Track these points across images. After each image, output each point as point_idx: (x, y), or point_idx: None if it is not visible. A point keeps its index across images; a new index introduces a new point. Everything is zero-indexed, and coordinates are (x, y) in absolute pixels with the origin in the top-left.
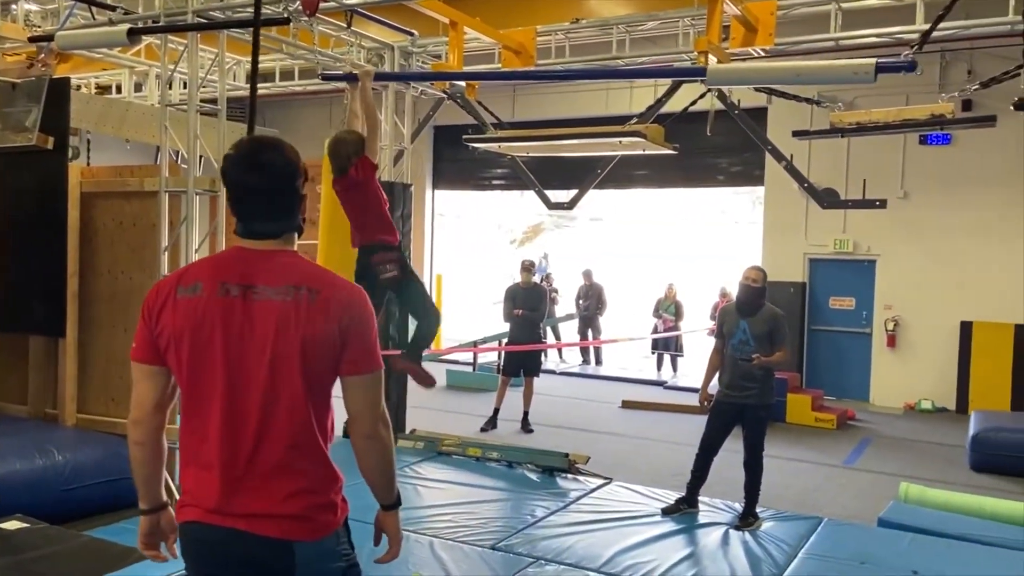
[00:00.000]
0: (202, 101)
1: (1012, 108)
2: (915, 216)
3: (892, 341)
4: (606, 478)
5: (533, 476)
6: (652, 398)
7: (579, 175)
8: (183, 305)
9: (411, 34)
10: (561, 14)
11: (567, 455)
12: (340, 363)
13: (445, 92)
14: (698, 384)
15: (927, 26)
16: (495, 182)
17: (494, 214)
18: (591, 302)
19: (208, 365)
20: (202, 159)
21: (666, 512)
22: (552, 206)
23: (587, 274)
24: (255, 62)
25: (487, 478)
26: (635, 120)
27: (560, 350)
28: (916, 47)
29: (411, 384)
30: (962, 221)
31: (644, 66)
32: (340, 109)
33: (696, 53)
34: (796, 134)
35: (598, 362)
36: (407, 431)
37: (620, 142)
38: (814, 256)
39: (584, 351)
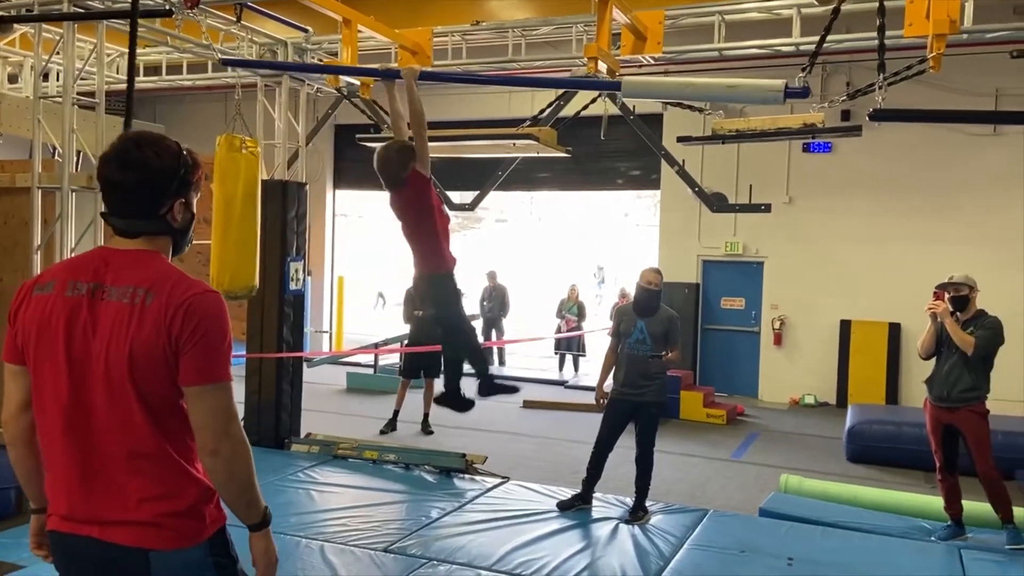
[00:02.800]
0: (82, 94)
1: (867, 119)
2: (799, 220)
3: (778, 339)
4: (503, 477)
5: (430, 478)
6: (553, 398)
7: (481, 177)
8: (35, 303)
9: (305, 31)
10: (459, 15)
11: (464, 456)
12: (177, 372)
13: (339, 90)
14: None
15: (803, 39)
16: None
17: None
18: (495, 303)
19: (52, 365)
20: (80, 155)
21: (561, 507)
22: (453, 207)
23: (491, 275)
24: (132, 54)
25: (383, 481)
26: (527, 123)
27: None
28: (807, 70)
29: (307, 388)
30: (842, 225)
31: (565, 76)
32: (236, 104)
33: (586, 59)
34: (680, 139)
35: (501, 363)
36: (302, 435)
37: (514, 144)
38: (707, 258)
39: (487, 352)
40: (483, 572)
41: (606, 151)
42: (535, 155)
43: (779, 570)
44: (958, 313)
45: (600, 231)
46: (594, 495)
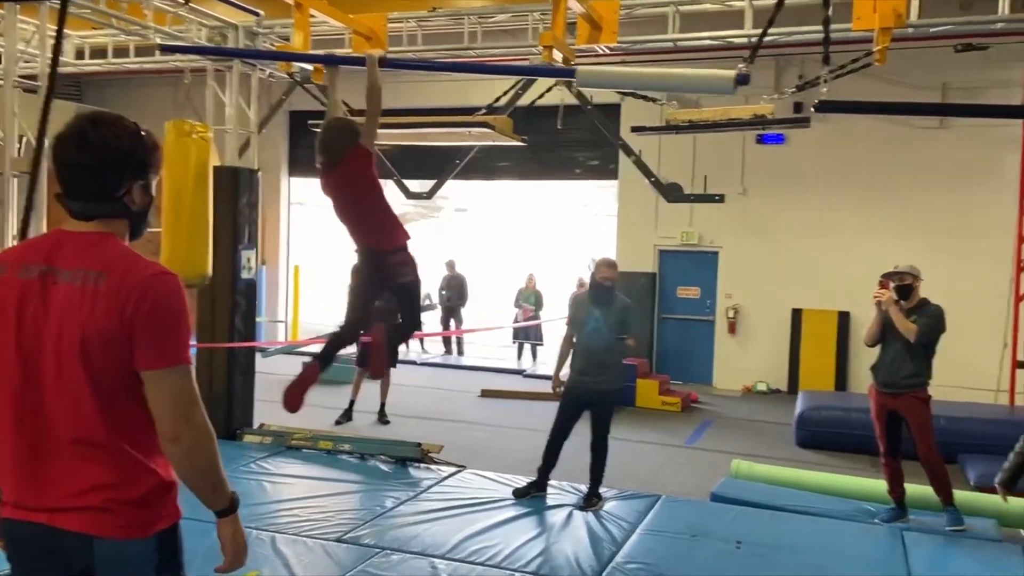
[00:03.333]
0: (25, 77)
1: (812, 110)
2: (753, 210)
3: (732, 328)
4: (459, 466)
5: (385, 467)
6: (511, 387)
7: (440, 165)
8: None
9: (256, 14)
10: (416, 2)
11: (419, 445)
12: (132, 356)
13: (291, 76)
14: None
15: (755, 31)
16: None
17: None
18: (453, 292)
19: (2, 350)
20: (23, 139)
21: (517, 495)
22: (411, 196)
23: (450, 265)
24: (59, 35)
25: (337, 471)
26: (483, 112)
27: (422, 340)
28: (749, 60)
29: (261, 378)
30: (794, 216)
31: (518, 64)
32: (185, 89)
33: (542, 48)
34: (635, 129)
35: (460, 352)
36: (255, 426)
37: (469, 132)
38: (664, 247)
39: (446, 341)
40: (436, 561)
41: (565, 141)
42: (491, 144)
43: (728, 553)
44: (902, 302)
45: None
46: (549, 483)
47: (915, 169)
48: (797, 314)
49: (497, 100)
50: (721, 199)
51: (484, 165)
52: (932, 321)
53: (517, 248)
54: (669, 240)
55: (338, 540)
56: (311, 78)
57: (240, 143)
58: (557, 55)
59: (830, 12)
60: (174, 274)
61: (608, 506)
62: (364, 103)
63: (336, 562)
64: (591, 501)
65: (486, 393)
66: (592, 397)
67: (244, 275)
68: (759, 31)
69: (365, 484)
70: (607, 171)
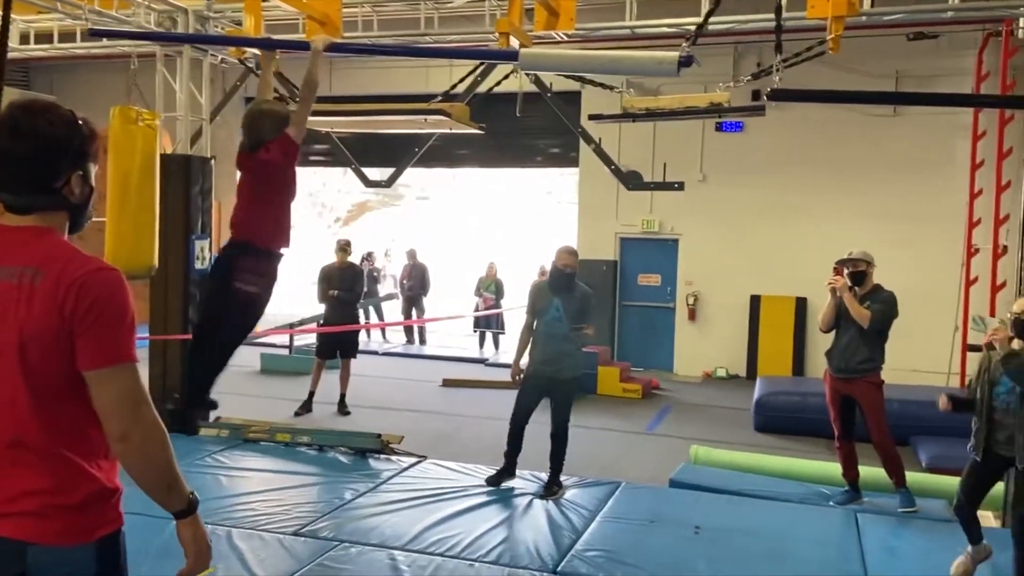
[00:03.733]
0: None
1: (765, 97)
2: (712, 198)
3: (692, 315)
4: (420, 456)
5: (345, 459)
6: (473, 376)
7: (399, 153)
8: None
9: None
10: None
11: (379, 436)
12: (73, 356)
13: (243, 62)
14: None
15: (713, 18)
16: (314, 158)
17: (318, 191)
18: (415, 282)
19: None
20: None
21: (489, 482)
22: (369, 184)
23: (411, 254)
24: (6, 19)
25: (296, 463)
26: (439, 98)
27: (384, 330)
28: (691, 40)
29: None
30: (752, 203)
31: (460, 47)
32: (133, 75)
33: (498, 34)
34: (592, 117)
35: (422, 342)
36: (211, 419)
37: (425, 120)
38: (624, 235)
39: (408, 331)
40: (395, 552)
41: (527, 128)
42: (448, 131)
43: (686, 539)
44: (856, 288)
45: (524, 209)
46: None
47: (870, 156)
48: (756, 300)
49: (454, 87)
50: (681, 187)
51: (445, 153)
52: (885, 307)
53: (479, 236)
54: (630, 228)
55: (295, 534)
56: (276, 67)
57: (193, 131)
58: (514, 42)
59: (783, 1)
60: (115, 269)
61: (569, 494)
62: (324, 91)
63: (293, 556)
64: (551, 489)
65: (448, 383)
66: (551, 385)
67: (197, 265)
68: (716, 18)
69: (324, 476)
70: (568, 159)
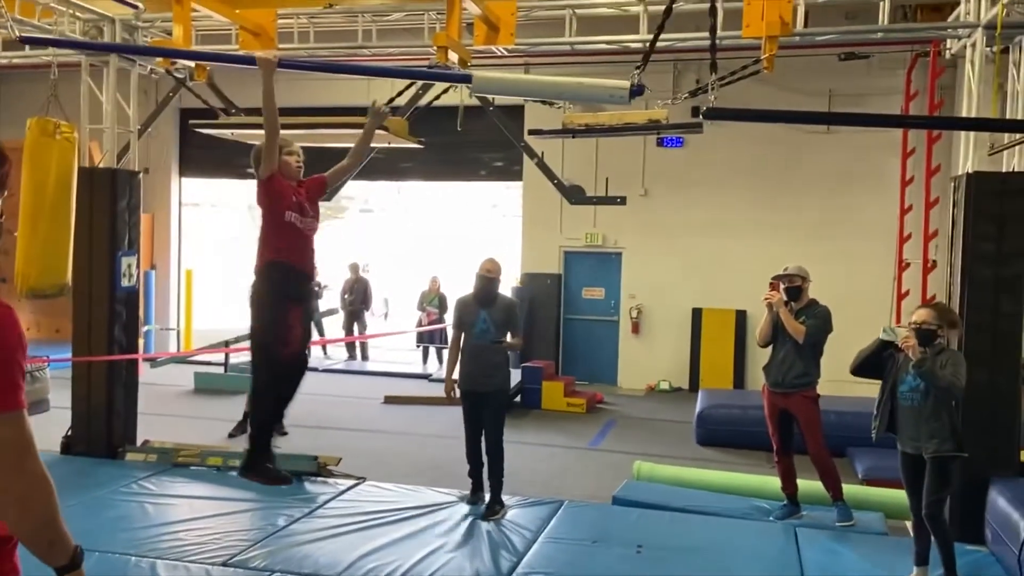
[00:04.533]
0: None
1: (701, 117)
2: (654, 212)
3: (636, 328)
4: (358, 478)
5: None
6: (417, 392)
7: None
8: None
9: (135, 7)
10: None
11: (316, 458)
12: None
13: (170, 72)
14: None
15: (651, 36)
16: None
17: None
18: (357, 296)
19: None
20: None
21: (468, 502)
22: None
23: (353, 267)
24: None
25: (228, 489)
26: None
27: (324, 346)
28: (640, 67)
29: (150, 390)
30: (693, 216)
31: (411, 67)
32: (52, 85)
33: (436, 48)
34: (531, 132)
35: (364, 357)
36: (139, 443)
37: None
38: (569, 249)
39: (350, 347)
40: None
41: (471, 141)
42: (386, 145)
43: (628, 559)
44: (792, 303)
45: (469, 222)
46: (439, 490)
47: (805, 172)
48: (697, 313)
49: (392, 100)
50: (623, 201)
51: (389, 165)
52: (820, 322)
53: (422, 250)
54: (574, 241)
55: (224, 564)
56: (194, 75)
57: (122, 143)
58: (453, 56)
59: (718, 20)
60: (8, 305)
61: (511, 514)
62: (253, 101)
63: None
64: (493, 509)
65: (389, 400)
66: (482, 400)
67: (124, 283)
68: (681, 35)
69: (257, 502)
70: (513, 172)
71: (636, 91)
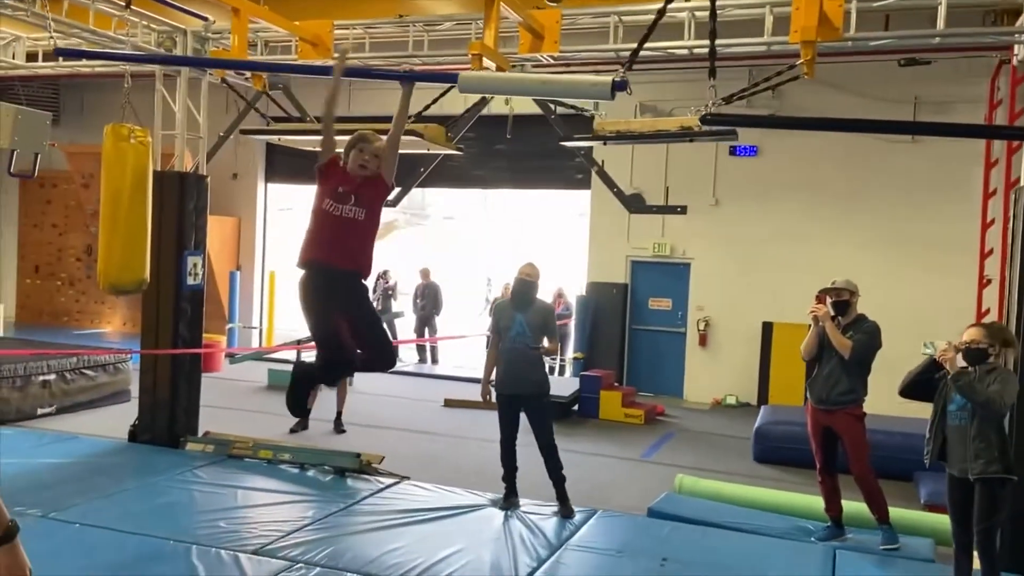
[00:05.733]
0: None
1: (701, 123)
2: (725, 222)
3: (703, 340)
4: (401, 477)
5: (324, 478)
6: (478, 396)
7: (410, 174)
8: None
9: (204, 19)
10: (386, 10)
11: (359, 455)
12: None
13: (223, 81)
14: None
15: (696, 42)
16: None
17: None
18: (428, 301)
19: None
20: None
21: (500, 507)
22: None
23: (424, 272)
24: None
25: (274, 481)
26: (410, 119)
27: (397, 349)
28: (626, 66)
29: (227, 385)
30: (766, 228)
31: (397, 70)
32: (126, 93)
33: (471, 56)
34: (562, 140)
35: (434, 361)
36: (200, 433)
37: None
38: (636, 259)
39: (421, 350)
40: (347, 575)
41: (542, 150)
42: (424, 152)
43: (651, 571)
44: (839, 317)
45: (555, 230)
46: (480, 494)
47: (885, 182)
48: (768, 327)
49: (426, 108)
50: (683, 211)
51: (460, 173)
52: (867, 338)
53: (502, 258)
54: (641, 251)
55: (255, 552)
56: (279, 84)
57: (202, 148)
58: (490, 64)
59: (716, 24)
60: None
61: (540, 521)
62: (321, 109)
63: None
64: (568, 508)
65: (449, 403)
66: (518, 403)
67: (189, 281)
68: (700, 42)
69: (298, 495)
70: (581, 181)
71: (619, 86)
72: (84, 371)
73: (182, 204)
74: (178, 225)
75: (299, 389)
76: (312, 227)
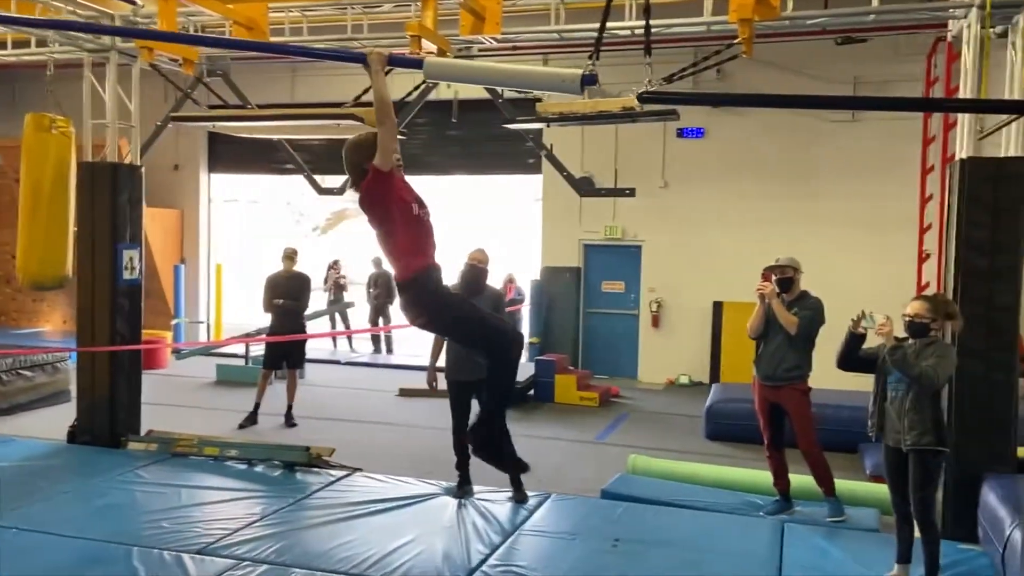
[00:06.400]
0: None
1: (638, 102)
2: (674, 204)
3: (656, 321)
4: (352, 469)
5: (273, 473)
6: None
7: None
8: None
9: (133, 2)
10: None
11: (308, 449)
12: None
13: (153, 66)
14: None
15: (637, 23)
16: (286, 166)
17: (295, 199)
18: (381, 290)
19: None
20: None
21: (453, 495)
22: (322, 191)
23: (377, 262)
24: None
25: (220, 478)
26: (349, 104)
27: (350, 339)
28: (593, 55)
29: (175, 381)
30: (715, 209)
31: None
32: (50, 81)
33: (409, 37)
34: (504, 123)
35: (389, 351)
36: (143, 432)
37: (338, 125)
38: (588, 242)
39: (375, 340)
40: (297, 571)
41: (494, 135)
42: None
43: (602, 552)
44: (784, 294)
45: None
46: (430, 481)
47: (828, 161)
48: (718, 306)
49: (360, 96)
50: (632, 193)
51: (412, 160)
52: (812, 313)
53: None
54: (593, 234)
55: (198, 552)
56: (197, 72)
57: (144, 138)
58: (430, 46)
59: (649, 2)
60: None
61: (493, 507)
62: (270, 97)
63: None
64: (520, 491)
65: (404, 392)
66: (474, 388)
67: (126, 275)
68: (639, 23)
69: (245, 492)
70: (534, 166)
71: (588, 80)
72: (21, 371)
73: (115, 196)
74: (111, 218)
75: (500, 419)
76: (414, 234)
